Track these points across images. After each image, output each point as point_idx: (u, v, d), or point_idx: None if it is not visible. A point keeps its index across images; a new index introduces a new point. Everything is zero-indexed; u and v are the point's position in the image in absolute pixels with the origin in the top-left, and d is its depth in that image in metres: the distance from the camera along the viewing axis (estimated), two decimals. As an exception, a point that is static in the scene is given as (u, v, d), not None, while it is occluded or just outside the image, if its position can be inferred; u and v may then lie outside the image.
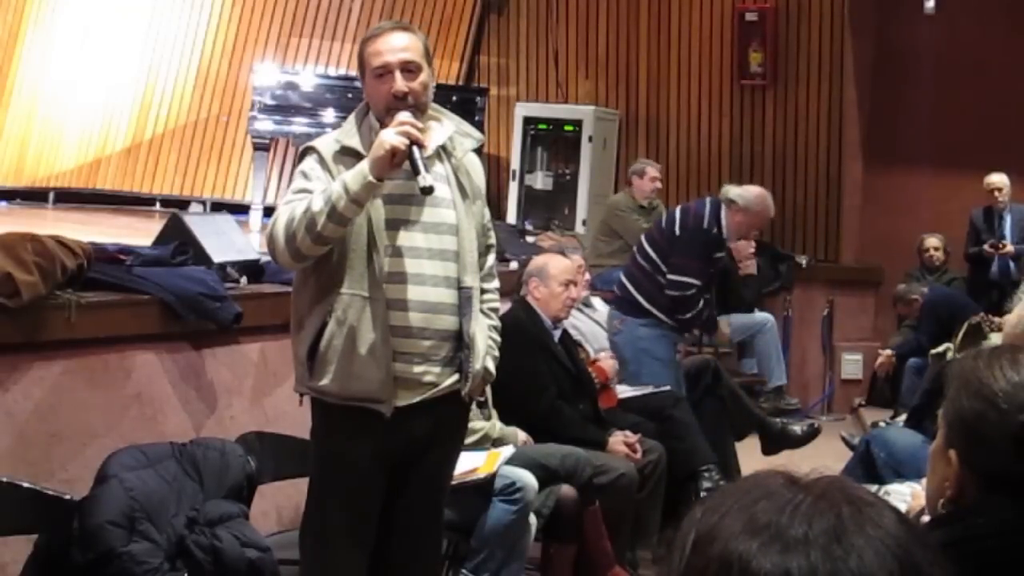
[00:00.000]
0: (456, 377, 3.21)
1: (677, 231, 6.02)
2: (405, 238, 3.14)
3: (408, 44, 3.17)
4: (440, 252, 3.18)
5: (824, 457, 6.64)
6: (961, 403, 1.73)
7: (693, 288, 5.89)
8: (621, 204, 8.64)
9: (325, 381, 3.11)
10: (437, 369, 3.18)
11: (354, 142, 3.14)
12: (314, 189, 3.05)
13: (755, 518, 0.87)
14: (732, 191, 6.13)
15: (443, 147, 3.25)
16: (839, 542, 0.85)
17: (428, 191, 3.04)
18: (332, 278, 3.10)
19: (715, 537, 0.87)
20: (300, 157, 3.24)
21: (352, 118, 3.23)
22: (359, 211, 3.02)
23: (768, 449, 6.21)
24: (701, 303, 5.96)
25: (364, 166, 3.01)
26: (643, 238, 6.25)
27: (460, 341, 3.19)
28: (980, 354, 1.79)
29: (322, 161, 3.13)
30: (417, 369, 3.15)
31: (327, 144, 3.18)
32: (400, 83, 3.12)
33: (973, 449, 1.71)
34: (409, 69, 3.14)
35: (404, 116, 3.06)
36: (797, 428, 6.32)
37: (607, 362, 5.46)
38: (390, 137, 3.01)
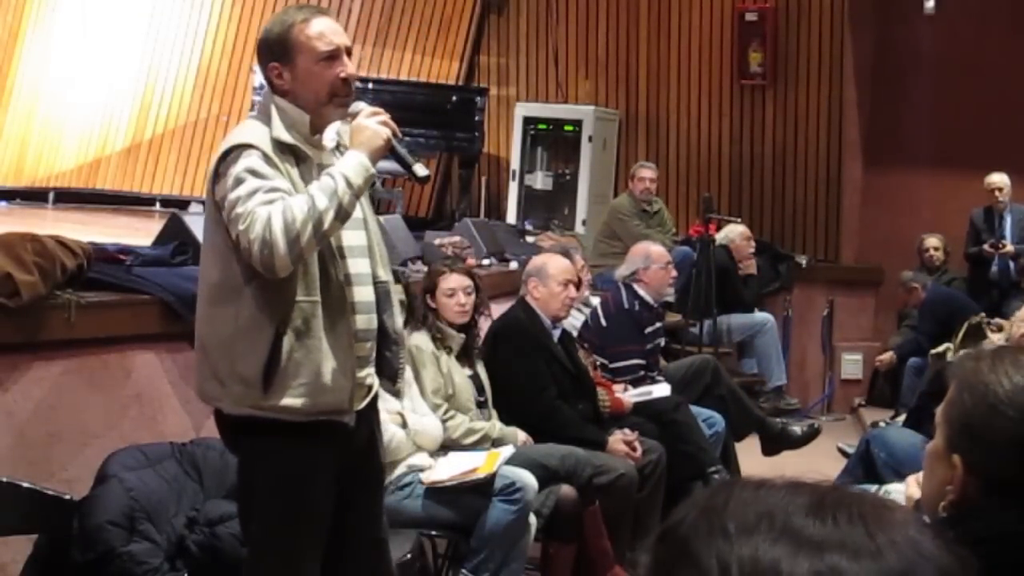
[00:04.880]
0: (377, 378, 3.12)
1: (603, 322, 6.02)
2: (344, 237, 2.98)
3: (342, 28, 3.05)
4: (361, 248, 3.05)
5: (824, 457, 6.65)
6: (965, 406, 1.72)
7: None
8: (623, 208, 8.67)
9: (290, 399, 2.87)
10: (371, 370, 3.08)
11: (288, 138, 2.92)
12: (280, 187, 2.84)
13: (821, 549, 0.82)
14: (620, 270, 6.24)
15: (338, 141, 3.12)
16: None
17: (427, 179, 2.99)
18: (280, 286, 2.85)
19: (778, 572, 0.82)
20: (227, 157, 2.87)
21: (274, 112, 2.95)
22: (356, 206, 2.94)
23: (768, 450, 6.20)
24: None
25: (361, 158, 2.89)
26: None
27: (383, 339, 3.07)
28: (982, 356, 1.77)
29: (267, 158, 2.87)
30: (363, 373, 3.03)
31: (262, 140, 2.90)
32: (351, 67, 2.99)
33: (977, 453, 1.70)
34: (349, 53, 3.02)
35: (368, 108, 2.99)
36: (797, 428, 6.32)
37: (627, 400, 5.46)
38: (378, 127, 2.94)
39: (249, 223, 2.79)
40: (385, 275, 3.09)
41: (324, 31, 2.95)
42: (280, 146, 2.91)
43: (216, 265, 2.93)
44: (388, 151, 2.97)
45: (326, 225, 2.81)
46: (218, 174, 2.87)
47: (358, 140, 2.95)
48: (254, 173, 2.83)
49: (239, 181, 2.82)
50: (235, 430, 2.98)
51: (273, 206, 2.79)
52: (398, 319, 3.14)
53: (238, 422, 2.94)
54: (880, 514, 0.85)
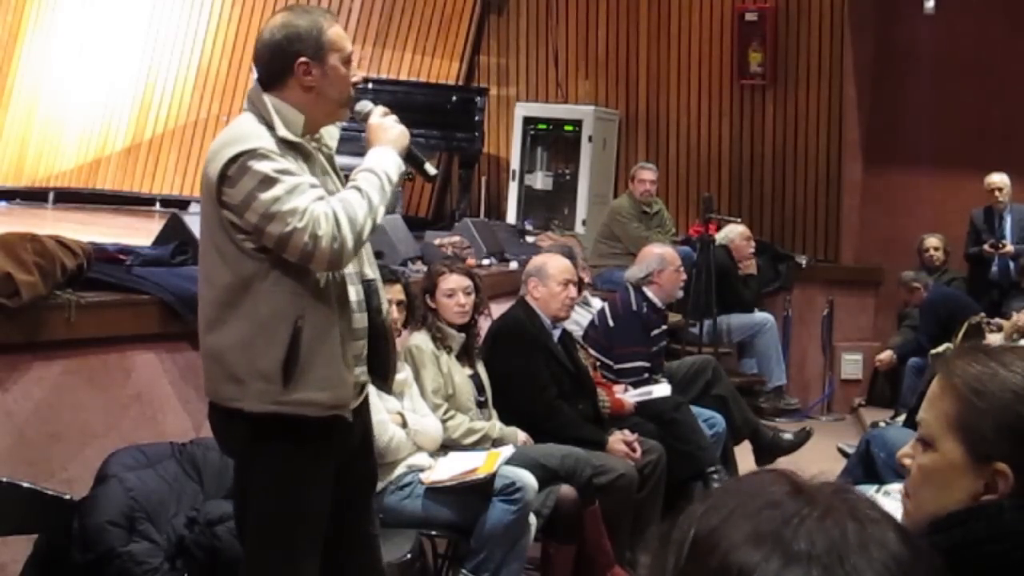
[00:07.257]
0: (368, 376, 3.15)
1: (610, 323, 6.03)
2: None
3: None
4: None
5: (824, 457, 6.65)
6: (982, 410, 1.61)
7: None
8: (623, 210, 8.66)
9: (312, 393, 2.88)
10: (364, 368, 3.10)
11: (292, 136, 2.91)
12: (315, 183, 2.87)
13: (759, 528, 0.86)
14: (633, 272, 6.21)
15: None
16: (841, 563, 0.84)
17: (435, 177, 3.05)
18: (297, 282, 2.87)
19: (716, 544, 0.86)
20: (236, 160, 2.80)
21: (272, 112, 2.90)
22: None
23: (761, 460, 6.20)
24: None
25: (395, 156, 2.99)
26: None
27: (374, 337, 3.08)
28: (977, 358, 1.70)
29: (282, 157, 2.85)
30: (357, 370, 3.05)
31: (268, 141, 2.86)
32: (358, 73, 3.07)
33: (1021, 454, 1.59)
34: None
35: (378, 107, 3.08)
36: (788, 435, 6.33)
37: (627, 400, 5.46)
38: (403, 127, 3.04)
39: (310, 219, 2.78)
40: (372, 273, 3.11)
41: (342, 35, 2.99)
42: (285, 145, 2.89)
43: (224, 267, 2.89)
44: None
45: (378, 220, 2.92)
46: (226, 177, 2.81)
47: (387, 138, 3.01)
48: (284, 172, 2.81)
49: (271, 181, 2.79)
50: (252, 430, 2.92)
51: (332, 202, 2.84)
52: (386, 317, 3.16)
53: (258, 420, 2.90)
54: (862, 536, 0.86)
